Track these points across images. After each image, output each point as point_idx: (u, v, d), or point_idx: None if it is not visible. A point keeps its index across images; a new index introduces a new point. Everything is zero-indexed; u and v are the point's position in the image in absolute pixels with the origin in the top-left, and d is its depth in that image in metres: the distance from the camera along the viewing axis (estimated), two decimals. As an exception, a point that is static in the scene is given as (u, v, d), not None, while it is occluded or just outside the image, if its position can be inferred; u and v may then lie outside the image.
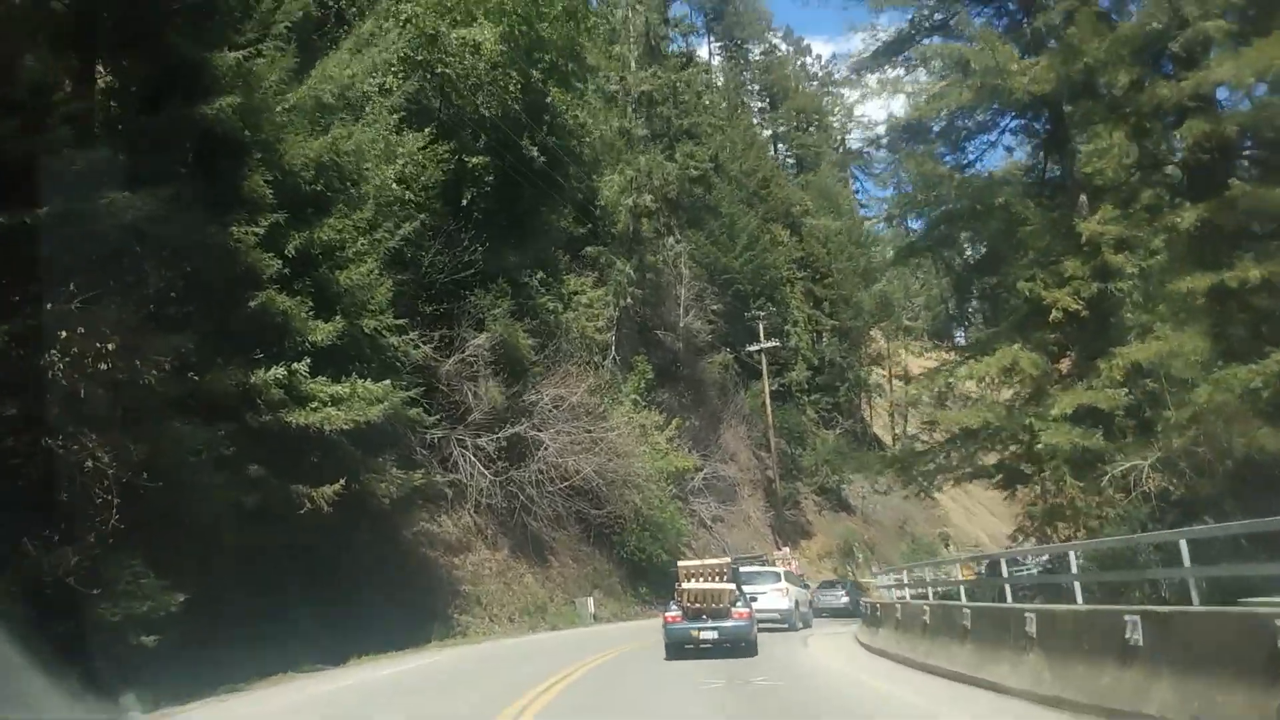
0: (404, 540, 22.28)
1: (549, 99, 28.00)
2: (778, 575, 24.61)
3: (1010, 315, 21.95)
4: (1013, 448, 20.54)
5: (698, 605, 14.34)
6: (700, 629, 14.40)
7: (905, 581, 22.30)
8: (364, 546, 20.00)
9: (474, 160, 25.57)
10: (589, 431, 28.79)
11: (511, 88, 25.68)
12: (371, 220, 18.20)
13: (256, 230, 15.06)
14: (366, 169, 18.93)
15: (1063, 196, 20.47)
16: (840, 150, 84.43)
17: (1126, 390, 17.09)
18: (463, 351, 25.18)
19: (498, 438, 25.30)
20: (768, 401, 44.31)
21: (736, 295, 47.87)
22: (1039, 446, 17.46)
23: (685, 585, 14.57)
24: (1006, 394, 21.84)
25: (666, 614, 14.99)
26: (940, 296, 33.94)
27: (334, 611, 18.21)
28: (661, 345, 43.93)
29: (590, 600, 28.10)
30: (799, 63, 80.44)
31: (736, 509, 42.44)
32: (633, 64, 37.22)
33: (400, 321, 19.22)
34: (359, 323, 17.34)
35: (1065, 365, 20.19)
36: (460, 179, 25.66)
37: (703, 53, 63.32)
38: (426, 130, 23.59)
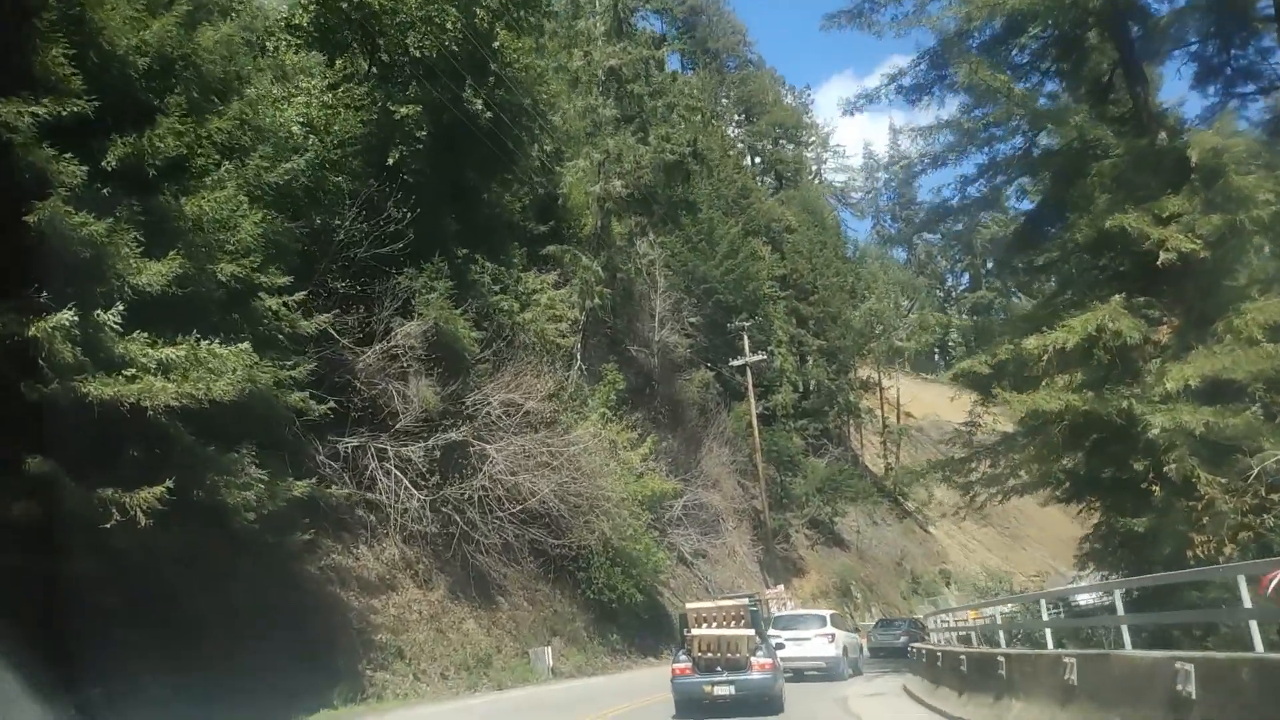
0: (299, 576, 17.33)
1: (497, 44, 23.58)
2: (823, 619, 22.24)
3: (1086, 273, 17.56)
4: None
5: (711, 655, 12.51)
6: (714, 683, 12.48)
7: (961, 623, 17.88)
8: (235, 583, 15.11)
9: (403, 111, 21.10)
10: (547, 445, 23.99)
11: (450, 26, 21.26)
12: (235, 136, 13.52)
13: (36, 111, 10.40)
14: (242, 75, 14.35)
15: (1134, 126, 16.28)
16: (816, 180, 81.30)
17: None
18: (387, 340, 20.42)
19: (429, 447, 20.43)
20: (754, 421, 39.69)
21: (717, 307, 43.49)
22: (1153, 433, 12.85)
23: (695, 631, 12.63)
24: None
25: (675, 665, 13.30)
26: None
27: (194, 673, 13.38)
28: (634, 362, 39.37)
29: (548, 651, 23.05)
30: (775, 72, 76.83)
31: (720, 542, 37.58)
32: (599, 40, 33.07)
33: (284, 279, 14.49)
34: (211, 268, 12.60)
35: (1164, 334, 15.69)
36: (386, 133, 21.13)
37: (673, 64, 59.66)
38: (338, 64, 19.16)
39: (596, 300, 31.21)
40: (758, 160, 68.49)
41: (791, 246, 56.64)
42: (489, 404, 22.73)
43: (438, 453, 21.06)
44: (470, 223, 26.18)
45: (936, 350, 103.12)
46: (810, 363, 54.56)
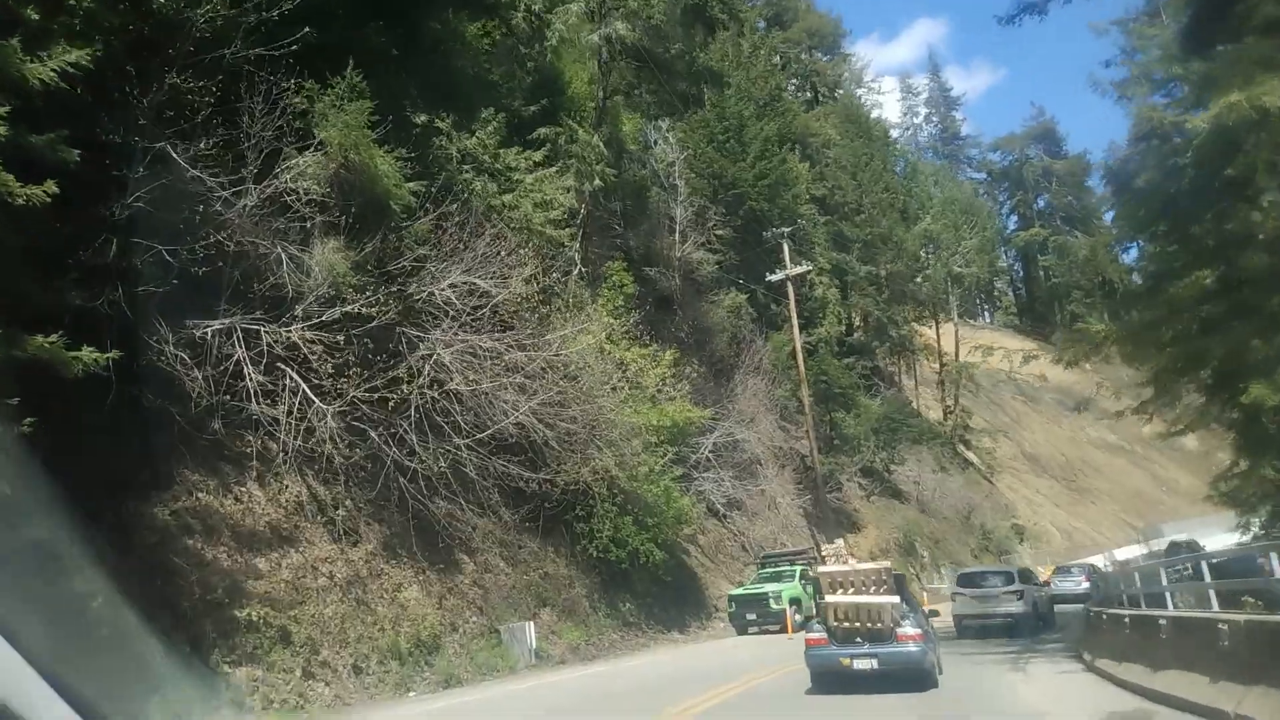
0: (137, 523, 11.13)
1: None
2: (1010, 575, 21.62)
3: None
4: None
5: (849, 625, 11.17)
6: (853, 656, 11.03)
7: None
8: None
9: None
10: (525, 348, 17.51)
11: None
12: None
13: None
14: None
15: None
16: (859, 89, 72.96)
17: None
18: (271, 181, 13.90)
19: (336, 329, 14.00)
20: (798, 346, 32.88)
21: (749, 217, 36.61)
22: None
23: (830, 598, 11.42)
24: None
25: (809, 635, 11.88)
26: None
27: None
28: (651, 284, 32.73)
29: (529, 627, 16.68)
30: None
31: (759, 490, 31.03)
32: None
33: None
34: None
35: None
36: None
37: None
38: None
39: (598, 182, 24.54)
40: (791, 74, 60.28)
41: (833, 162, 49.40)
42: (435, 282, 16.23)
43: (357, 342, 14.65)
44: (430, 80, 19.72)
45: (981, 298, 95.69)
46: (857, 293, 47.51)
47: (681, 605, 23.60)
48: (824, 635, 11.48)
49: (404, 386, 15.07)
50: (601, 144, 24.59)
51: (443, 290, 16.23)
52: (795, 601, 22.63)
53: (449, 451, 15.83)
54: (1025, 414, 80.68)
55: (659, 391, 24.01)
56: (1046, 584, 26.32)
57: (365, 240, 14.63)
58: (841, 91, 58.72)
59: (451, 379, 16.09)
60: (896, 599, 11.27)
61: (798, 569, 23.83)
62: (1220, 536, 33.70)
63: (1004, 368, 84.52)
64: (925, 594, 31.94)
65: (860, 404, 38.37)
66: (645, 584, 21.81)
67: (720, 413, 30.00)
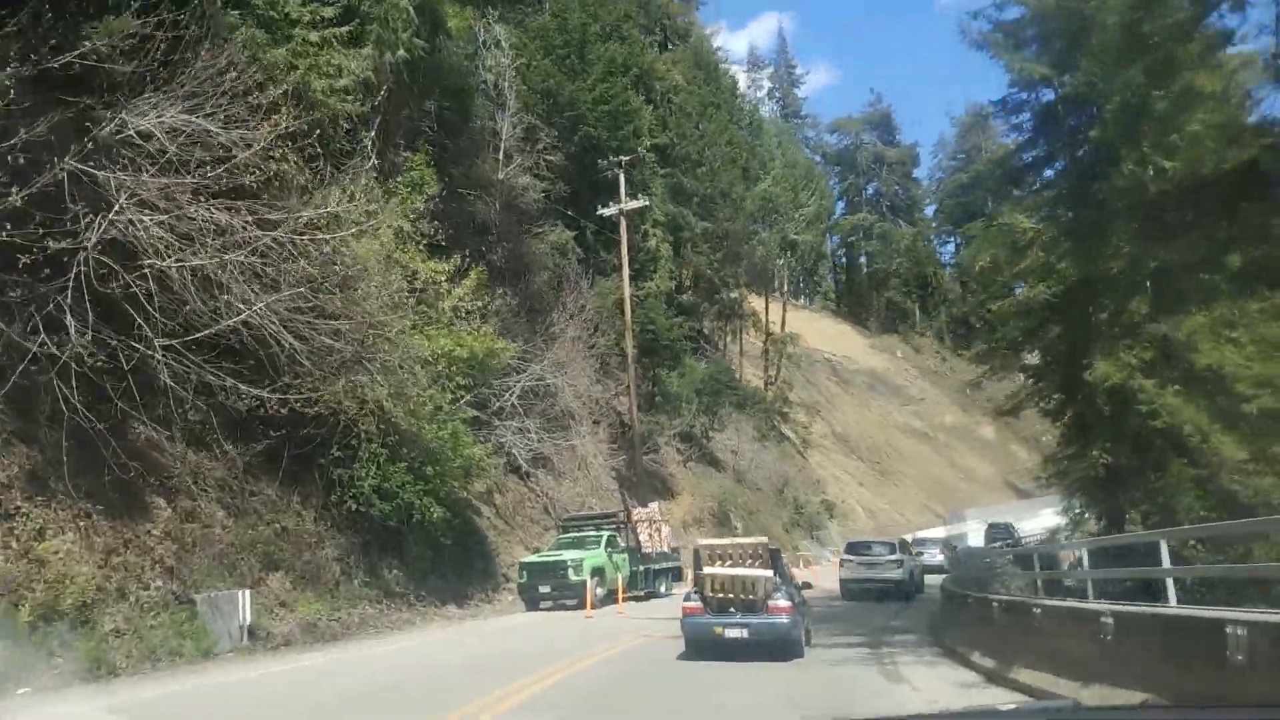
0: None
1: None
2: (893, 545, 24.33)
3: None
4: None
5: (723, 595, 11.63)
6: (725, 625, 11.50)
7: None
8: None
9: None
10: (263, 220, 13.03)
11: None
12: None
13: None
14: None
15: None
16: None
17: None
18: None
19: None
20: (626, 292, 29.54)
21: (586, 145, 32.83)
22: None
23: (708, 570, 11.80)
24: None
25: (685, 604, 12.20)
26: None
27: None
28: (469, 207, 28.43)
29: (243, 597, 12.39)
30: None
31: (569, 447, 27.57)
32: None
33: None
34: None
35: None
36: None
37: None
38: None
39: (402, 53, 19.96)
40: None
41: (678, 109, 46.29)
42: (138, 115, 11.49)
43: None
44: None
45: (802, 279, 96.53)
46: (689, 249, 44.83)
47: (465, 574, 19.77)
48: (700, 604, 11.74)
49: (65, 243, 10.35)
50: (411, 8, 20.03)
51: (147, 123, 11.51)
52: (598, 572, 19.35)
53: (133, 349, 11.22)
54: (838, 395, 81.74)
55: (459, 316, 19.99)
56: (919, 555, 28.32)
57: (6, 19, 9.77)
58: (693, 39, 55.58)
59: (144, 249, 11.46)
60: (770, 573, 11.56)
61: (604, 534, 20.62)
62: (1034, 521, 37.46)
63: (821, 348, 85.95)
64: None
65: (686, 363, 35.65)
66: (420, 547, 17.83)
67: (532, 354, 26.27)
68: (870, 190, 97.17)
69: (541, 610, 18.67)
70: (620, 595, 19.53)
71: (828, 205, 70.08)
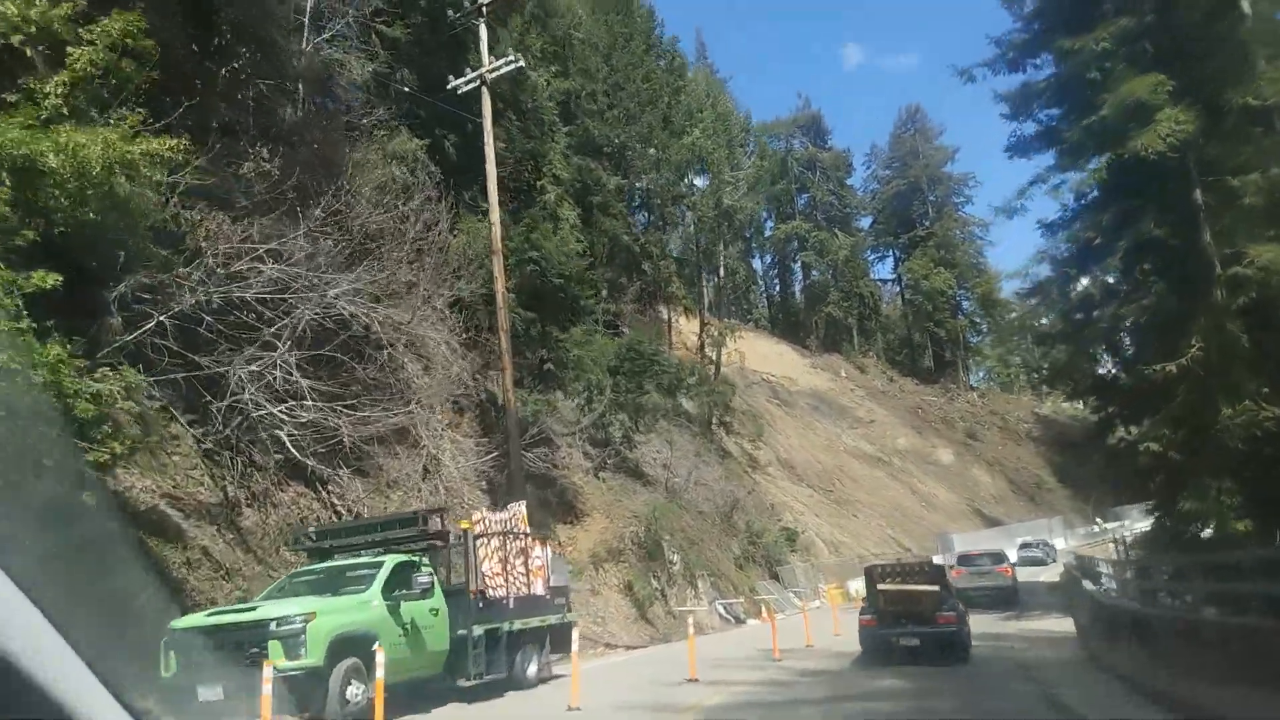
0: None
1: None
2: (1000, 555, 28.52)
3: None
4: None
5: (896, 609, 13.83)
6: (899, 634, 13.77)
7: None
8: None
9: None
10: None
11: None
12: None
13: None
14: None
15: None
16: None
17: None
18: None
19: None
20: (493, 192, 19.28)
21: (435, 11, 22.84)
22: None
23: (882, 587, 14.20)
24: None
25: (861, 617, 14.61)
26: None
27: None
28: (262, 103, 18.31)
29: None
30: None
31: (398, 433, 17.07)
32: None
33: None
34: None
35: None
36: None
37: None
38: None
39: None
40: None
41: (582, 42, 36.83)
42: None
43: None
44: None
45: (734, 297, 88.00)
46: (600, 213, 35.10)
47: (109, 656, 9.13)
48: (874, 617, 13.99)
49: None
50: None
51: None
52: (349, 646, 8.97)
53: None
54: (780, 417, 72.63)
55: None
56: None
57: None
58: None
59: None
60: (937, 588, 13.90)
61: (389, 561, 10.22)
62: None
63: (759, 369, 77.68)
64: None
65: (595, 333, 25.51)
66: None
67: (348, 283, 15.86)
68: (803, 200, 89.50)
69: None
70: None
71: (771, 167, 61.26)
